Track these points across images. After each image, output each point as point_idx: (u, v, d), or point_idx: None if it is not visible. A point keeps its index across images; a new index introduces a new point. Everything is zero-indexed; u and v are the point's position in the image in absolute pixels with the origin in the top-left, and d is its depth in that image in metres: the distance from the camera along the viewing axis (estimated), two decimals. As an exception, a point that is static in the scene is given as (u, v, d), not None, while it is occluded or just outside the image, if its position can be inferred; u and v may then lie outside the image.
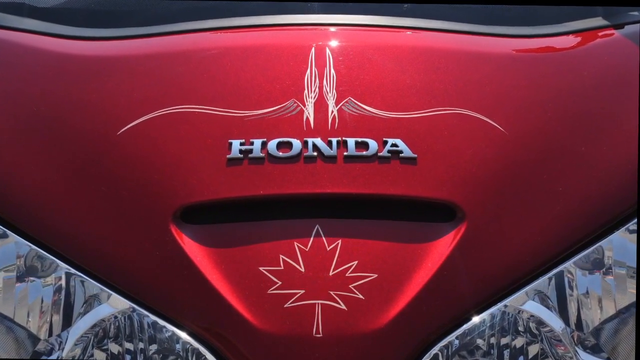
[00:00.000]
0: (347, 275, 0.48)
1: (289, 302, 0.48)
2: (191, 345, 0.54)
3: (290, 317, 0.48)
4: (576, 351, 0.62)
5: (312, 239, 0.48)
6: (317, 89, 0.50)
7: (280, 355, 0.51)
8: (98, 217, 0.51)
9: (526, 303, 0.56)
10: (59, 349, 0.57)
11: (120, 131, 0.48)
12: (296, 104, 0.49)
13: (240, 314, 0.49)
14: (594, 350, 0.62)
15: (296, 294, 0.47)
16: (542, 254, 0.53)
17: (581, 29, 0.55)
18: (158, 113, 0.48)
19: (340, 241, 0.48)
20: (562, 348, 0.61)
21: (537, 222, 0.52)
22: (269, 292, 0.48)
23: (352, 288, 0.48)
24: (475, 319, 0.55)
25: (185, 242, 0.49)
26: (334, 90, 0.49)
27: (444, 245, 0.49)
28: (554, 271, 0.55)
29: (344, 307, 0.48)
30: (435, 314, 0.51)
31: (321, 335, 0.49)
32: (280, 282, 0.48)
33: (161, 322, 0.53)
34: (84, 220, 0.52)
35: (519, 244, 0.53)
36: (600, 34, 0.55)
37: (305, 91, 0.49)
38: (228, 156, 0.48)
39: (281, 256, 0.48)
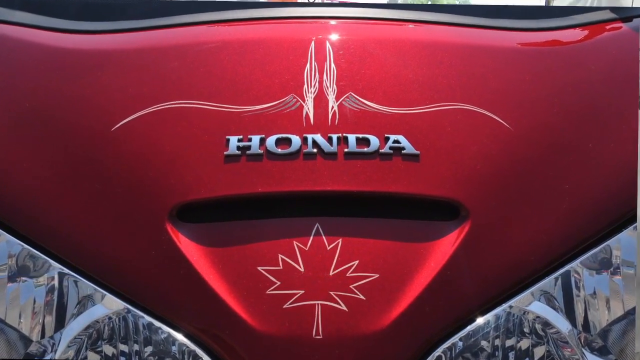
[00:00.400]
0: (347, 275, 0.48)
1: (288, 303, 0.47)
2: (187, 347, 0.53)
3: (290, 318, 0.48)
4: (583, 353, 0.61)
5: (311, 237, 0.48)
6: (317, 84, 0.49)
7: (279, 357, 0.50)
8: (92, 215, 0.51)
9: (532, 304, 0.56)
10: (51, 351, 0.57)
11: (115, 127, 0.47)
12: (295, 99, 0.48)
13: (237, 315, 0.49)
14: (602, 352, 0.61)
15: (295, 294, 0.47)
16: (548, 253, 0.52)
17: (589, 22, 0.54)
18: (153, 109, 0.48)
19: (340, 240, 0.48)
20: (569, 350, 0.60)
21: (543, 220, 0.52)
22: (267, 292, 0.48)
23: (353, 288, 0.47)
24: (480, 320, 0.55)
25: (182, 241, 0.49)
26: (334, 85, 0.49)
27: (447, 244, 0.49)
28: (561, 271, 0.54)
29: (344, 307, 0.48)
30: (438, 315, 0.51)
31: (321, 336, 0.48)
32: (279, 283, 0.48)
33: (157, 323, 0.52)
34: (77, 219, 0.51)
35: (524, 242, 0.52)
36: (608, 27, 0.54)
37: (305, 86, 0.48)
38: (225, 153, 0.47)
39: (280, 255, 0.47)
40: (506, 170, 0.50)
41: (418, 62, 0.49)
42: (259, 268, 0.48)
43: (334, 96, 0.48)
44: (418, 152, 0.48)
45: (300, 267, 0.47)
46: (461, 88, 0.49)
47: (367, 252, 0.48)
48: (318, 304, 0.47)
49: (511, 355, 0.57)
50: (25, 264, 0.53)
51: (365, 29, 0.51)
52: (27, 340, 0.57)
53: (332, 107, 0.48)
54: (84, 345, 0.56)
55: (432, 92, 0.49)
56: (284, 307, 0.48)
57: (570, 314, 0.57)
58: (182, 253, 0.48)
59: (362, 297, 0.47)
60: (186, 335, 0.52)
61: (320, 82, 0.49)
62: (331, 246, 0.48)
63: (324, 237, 0.48)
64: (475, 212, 0.49)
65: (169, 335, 0.53)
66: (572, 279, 0.55)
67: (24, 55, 0.48)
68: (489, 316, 0.55)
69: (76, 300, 0.54)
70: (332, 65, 0.49)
